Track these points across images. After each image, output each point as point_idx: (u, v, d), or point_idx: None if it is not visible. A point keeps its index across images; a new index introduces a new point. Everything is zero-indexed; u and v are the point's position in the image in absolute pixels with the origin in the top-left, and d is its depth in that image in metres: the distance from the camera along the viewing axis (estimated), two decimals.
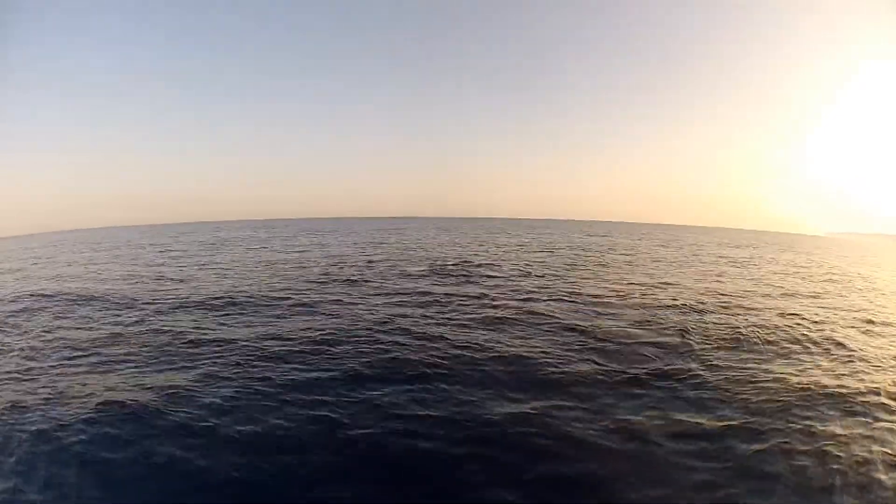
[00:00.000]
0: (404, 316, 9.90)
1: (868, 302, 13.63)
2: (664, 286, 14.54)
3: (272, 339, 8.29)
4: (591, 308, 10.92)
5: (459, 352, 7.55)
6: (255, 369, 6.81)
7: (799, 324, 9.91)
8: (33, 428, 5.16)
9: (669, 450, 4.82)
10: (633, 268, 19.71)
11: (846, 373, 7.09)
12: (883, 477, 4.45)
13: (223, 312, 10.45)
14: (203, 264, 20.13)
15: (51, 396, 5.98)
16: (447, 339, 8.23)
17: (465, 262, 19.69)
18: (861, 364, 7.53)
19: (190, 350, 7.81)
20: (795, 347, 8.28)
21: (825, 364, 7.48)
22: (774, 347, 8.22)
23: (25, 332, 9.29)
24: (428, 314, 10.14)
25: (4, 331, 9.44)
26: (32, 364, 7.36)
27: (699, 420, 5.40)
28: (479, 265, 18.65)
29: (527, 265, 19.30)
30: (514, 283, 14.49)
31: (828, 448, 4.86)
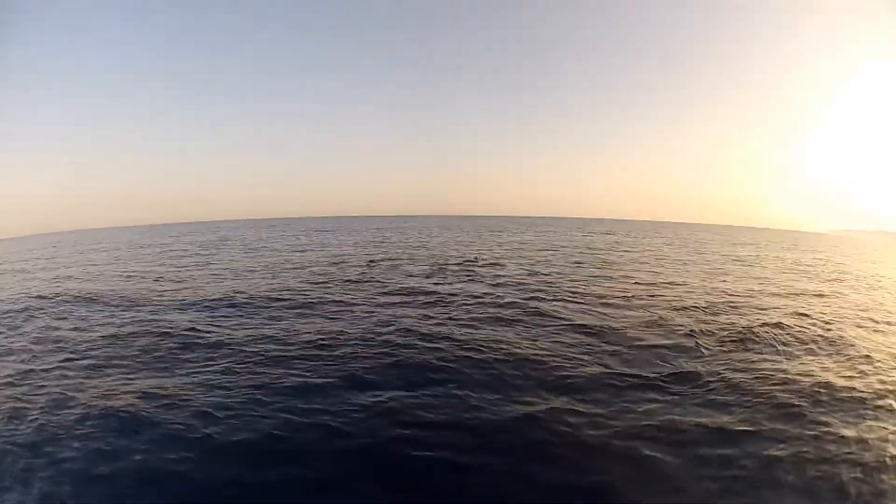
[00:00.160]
0: (407, 316, 9.72)
1: (874, 301, 13.43)
2: (670, 285, 14.33)
3: (270, 341, 8.10)
4: (598, 308, 10.72)
5: (465, 353, 7.35)
6: (253, 373, 6.62)
7: (812, 324, 9.70)
8: (26, 438, 5.01)
9: (684, 453, 4.67)
10: (637, 265, 19.51)
11: (859, 374, 6.91)
12: None
13: (221, 314, 10.26)
14: (201, 265, 19.97)
15: (44, 404, 5.82)
16: (452, 339, 8.05)
17: (468, 260, 19.51)
18: (875, 365, 7.32)
19: (185, 353, 7.62)
20: (808, 348, 8.08)
21: (838, 365, 7.29)
22: (787, 348, 8.01)
23: (22, 334, 9.16)
24: (431, 314, 9.95)
25: (1, 332, 9.33)
26: (26, 367, 7.19)
27: (713, 422, 5.24)
28: (483, 264, 18.48)
29: (531, 264, 19.11)
30: (519, 281, 14.29)
31: (842, 451, 4.73)
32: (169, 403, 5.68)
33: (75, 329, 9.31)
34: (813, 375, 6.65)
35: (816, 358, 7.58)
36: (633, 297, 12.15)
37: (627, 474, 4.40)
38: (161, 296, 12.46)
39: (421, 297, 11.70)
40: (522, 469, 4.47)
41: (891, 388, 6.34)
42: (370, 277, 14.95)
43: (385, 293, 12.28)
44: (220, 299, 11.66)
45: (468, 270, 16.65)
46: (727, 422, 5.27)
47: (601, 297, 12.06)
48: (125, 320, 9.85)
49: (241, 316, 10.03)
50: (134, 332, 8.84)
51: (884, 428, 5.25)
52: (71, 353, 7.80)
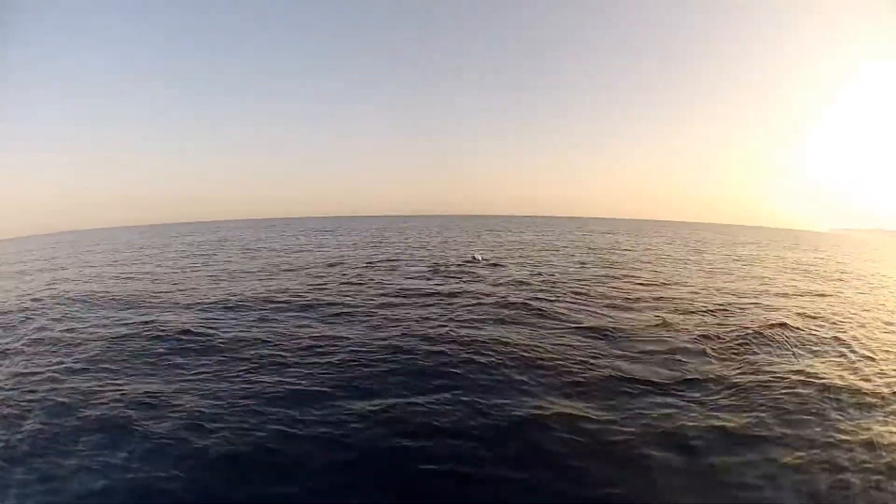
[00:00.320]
0: (407, 318, 9.53)
1: (877, 300, 13.26)
2: (674, 285, 14.18)
3: (266, 345, 7.87)
4: (602, 309, 10.56)
5: (468, 356, 7.17)
6: (247, 380, 6.39)
7: (818, 325, 9.55)
8: (12, 449, 4.85)
9: (697, 459, 4.56)
10: (639, 265, 19.35)
11: (868, 375, 6.77)
12: None
13: (216, 317, 10.05)
14: (199, 266, 19.79)
15: (32, 411, 5.65)
16: (454, 341, 7.87)
17: (469, 260, 19.31)
18: (882, 367, 7.19)
19: (178, 357, 7.43)
20: (816, 350, 7.93)
21: (848, 366, 7.16)
22: (795, 349, 7.86)
23: (17, 336, 9.00)
24: (432, 315, 9.76)
25: None
26: (18, 371, 7.05)
27: (725, 427, 5.12)
28: (483, 264, 18.31)
29: (532, 264, 18.95)
30: (521, 281, 14.11)
31: (856, 457, 4.62)
32: (160, 412, 5.49)
33: (69, 331, 9.13)
34: (823, 377, 6.52)
35: (825, 359, 7.43)
36: (637, 297, 11.98)
37: (639, 482, 4.27)
38: (156, 297, 12.28)
39: (421, 299, 11.53)
40: (532, 478, 4.32)
41: None
42: (369, 279, 14.77)
43: (384, 294, 12.10)
44: (216, 302, 11.47)
45: (469, 271, 16.48)
46: (739, 426, 5.14)
47: (605, 297, 11.90)
48: (119, 323, 9.66)
49: (236, 319, 9.82)
50: (127, 335, 8.66)
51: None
52: (64, 356, 7.64)
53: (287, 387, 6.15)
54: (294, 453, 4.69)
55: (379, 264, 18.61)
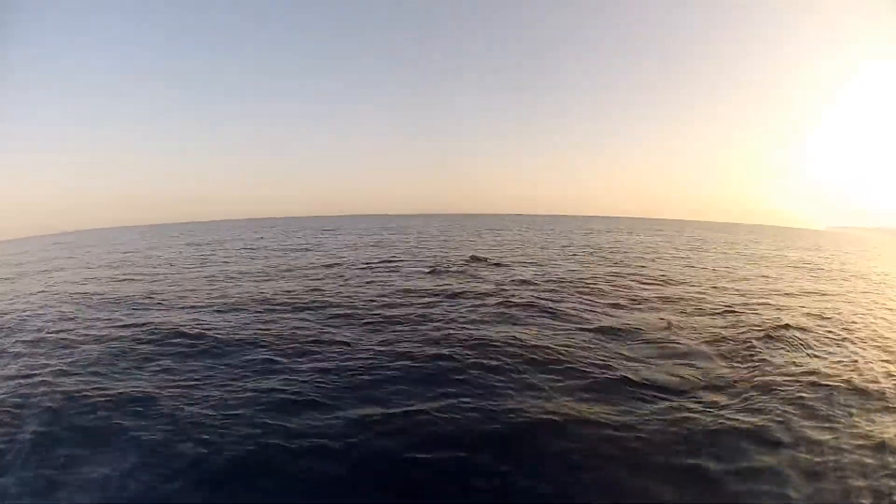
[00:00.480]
0: (409, 319, 9.35)
1: (881, 299, 13.21)
2: (680, 284, 14.07)
3: (262, 347, 7.65)
4: (610, 309, 10.43)
5: (474, 357, 6.99)
6: (242, 386, 6.12)
7: (827, 324, 9.46)
8: None
9: (717, 463, 4.45)
10: (644, 263, 19.21)
11: (881, 374, 6.66)
12: None
13: (211, 317, 9.87)
14: (197, 266, 19.64)
15: (18, 412, 5.57)
16: (458, 342, 7.72)
17: (469, 259, 19.13)
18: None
19: (170, 359, 7.26)
20: (828, 350, 7.83)
21: (864, 365, 7.04)
22: (809, 350, 7.75)
23: (9, 337, 8.91)
24: (434, 316, 9.58)
25: None
26: (6, 374, 6.91)
27: (745, 429, 5.03)
28: (486, 263, 18.16)
29: (535, 263, 18.83)
30: (524, 280, 13.97)
31: (871, 454, 4.59)
32: (150, 417, 5.32)
33: (62, 333, 8.95)
34: (835, 378, 6.42)
35: (837, 360, 7.31)
36: (643, 297, 11.85)
37: (655, 485, 4.18)
38: (151, 299, 12.12)
39: (423, 299, 11.34)
40: (548, 483, 4.20)
41: None
42: (369, 279, 14.60)
43: (385, 295, 11.89)
44: (212, 303, 11.29)
45: (471, 270, 16.35)
46: (754, 428, 5.05)
47: (611, 297, 11.78)
48: (113, 325, 9.46)
49: (232, 321, 9.59)
50: (121, 337, 8.48)
51: None
52: (55, 358, 7.49)
53: (283, 392, 5.89)
54: (289, 463, 4.47)
55: (379, 264, 18.41)
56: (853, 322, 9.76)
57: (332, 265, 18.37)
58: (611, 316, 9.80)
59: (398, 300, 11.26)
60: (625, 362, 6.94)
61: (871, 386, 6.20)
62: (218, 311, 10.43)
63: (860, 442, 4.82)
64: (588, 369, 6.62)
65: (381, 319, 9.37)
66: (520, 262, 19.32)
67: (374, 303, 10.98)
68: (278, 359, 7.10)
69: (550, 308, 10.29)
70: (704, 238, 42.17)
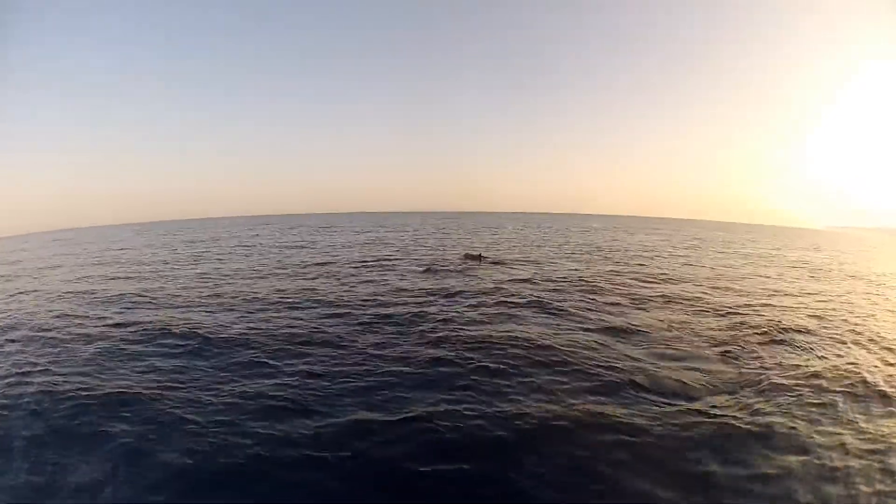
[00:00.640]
0: (405, 318, 9.12)
1: (883, 298, 13.09)
2: (682, 282, 13.90)
3: (257, 347, 7.42)
4: (613, 307, 10.26)
5: (477, 358, 6.77)
6: (233, 392, 5.81)
7: (836, 325, 9.32)
8: None
9: (731, 465, 4.36)
10: (644, 262, 19.03)
11: (893, 375, 6.56)
12: None
13: (205, 315, 9.66)
14: (191, 264, 19.44)
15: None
16: (458, 342, 7.53)
17: (468, 257, 18.95)
18: None
19: (158, 358, 7.06)
20: (836, 351, 7.68)
21: (873, 365, 6.96)
22: (816, 352, 7.58)
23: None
24: (433, 315, 9.34)
25: None
26: None
27: (759, 431, 4.92)
28: (484, 261, 17.97)
29: (534, 261, 18.64)
30: (523, 279, 13.77)
31: (885, 456, 4.50)
32: (135, 416, 5.14)
33: (50, 331, 8.78)
34: (844, 379, 6.33)
35: (845, 361, 7.18)
36: (646, 296, 11.69)
37: (669, 486, 4.06)
38: (143, 296, 11.94)
39: (420, 298, 11.12)
40: (566, 486, 4.06)
41: None
42: (364, 277, 14.41)
43: (379, 293, 11.68)
44: (203, 301, 11.11)
45: (469, 268, 16.14)
46: (768, 431, 4.93)
47: (613, 295, 11.61)
48: (102, 322, 9.28)
49: (223, 319, 9.37)
50: (110, 336, 8.29)
51: None
52: (44, 356, 7.33)
53: (273, 396, 5.65)
54: (280, 471, 4.27)
55: (376, 262, 18.19)
56: (856, 324, 9.60)
57: (329, 263, 18.15)
58: (613, 315, 9.61)
59: (393, 299, 11.03)
60: (630, 363, 6.75)
61: (878, 389, 6.07)
62: (209, 310, 10.21)
63: (869, 446, 4.71)
64: (593, 370, 6.43)
65: (376, 319, 9.14)
66: (518, 260, 19.13)
67: (369, 302, 10.73)
68: (268, 360, 6.85)
69: (551, 307, 10.10)
70: (703, 237, 42.06)
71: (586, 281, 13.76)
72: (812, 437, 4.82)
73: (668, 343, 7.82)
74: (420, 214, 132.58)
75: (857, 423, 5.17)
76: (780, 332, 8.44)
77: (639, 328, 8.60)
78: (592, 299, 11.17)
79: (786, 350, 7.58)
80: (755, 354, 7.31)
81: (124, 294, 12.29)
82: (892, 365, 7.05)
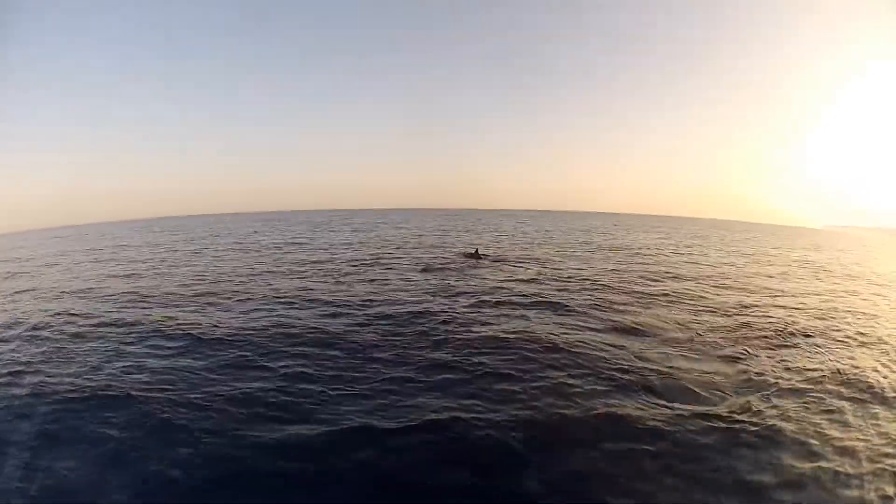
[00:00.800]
0: (404, 318, 8.94)
1: (884, 298, 13.01)
2: (687, 280, 13.76)
3: (252, 347, 7.26)
4: (621, 307, 10.11)
5: (478, 358, 6.63)
6: (229, 396, 5.58)
7: (842, 325, 9.22)
8: None
9: (744, 462, 4.32)
10: (647, 260, 18.89)
11: None
12: None
13: (200, 313, 9.51)
14: (188, 261, 19.32)
15: None
16: (458, 342, 7.40)
17: (468, 255, 18.80)
18: None
19: (149, 357, 6.93)
20: (846, 353, 7.57)
21: (886, 366, 6.88)
22: (829, 353, 7.49)
23: None
24: (433, 313, 9.17)
25: None
26: None
27: (763, 429, 4.87)
28: (486, 259, 17.82)
29: (536, 259, 18.51)
30: (523, 278, 13.60)
31: None
32: (120, 425, 4.95)
33: (46, 329, 8.66)
34: (855, 379, 6.27)
35: (855, 360, 7.11)
36: (649, 294, 11.55)
37: (692, 486, 4.00)
38: (135, 293, 11.83)
39: (421, 296, 10.95)
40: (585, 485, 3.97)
41: None
42: (366, 275, 14.24)
43: (381, 292, 11.51)
44: (197, 300, 10.96)
45: (470, 267, 15.99)
46: (783, 434, 4.84)
47: (618, 293, 11.47)
48: (101, 322, 9.12)
49: (216, 318, 9.18)
50: (104, 335, 8.16)
51: None
52: (35, 356, 7.21)
53: (266, 398, 5.47)
54: (271, 477, 4.10)
55: (376, 261, 17.99)
56: (866, 324, 9.49)
57: (328, 261, 17.96)
58: (620, 314, 9.47)
59: (393, 297, 10.86)
60: (640, 364, 6.60)
61: (887, 392, 5.99)
62: (205, 310, 10.03)
63: (881, 450, 4.62)
64: (604, 372, 6.27)
65: (374, 318, 8.95)
66: (520, 258, 18.97)
67: (371, 300, 10.53)
68: (264, 362, 6.65)
69: (556, 305, 9.97)
70: (704, 235, 41.99)
71: (590, 278, 13.63)
72: (822, 442, 4.72)
73: (677, 344, 7.69)
74: (420, 212, 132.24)
75: (866, 426, 5.08)
76: (787, 334, 8.34)
77: (646, 328, 8.46)
78: (597, 297, 11.03)
79: (793, 352, 7.47)
80: (763, 356, 7.19)
81: (121, 292, 12.14)
82: None
